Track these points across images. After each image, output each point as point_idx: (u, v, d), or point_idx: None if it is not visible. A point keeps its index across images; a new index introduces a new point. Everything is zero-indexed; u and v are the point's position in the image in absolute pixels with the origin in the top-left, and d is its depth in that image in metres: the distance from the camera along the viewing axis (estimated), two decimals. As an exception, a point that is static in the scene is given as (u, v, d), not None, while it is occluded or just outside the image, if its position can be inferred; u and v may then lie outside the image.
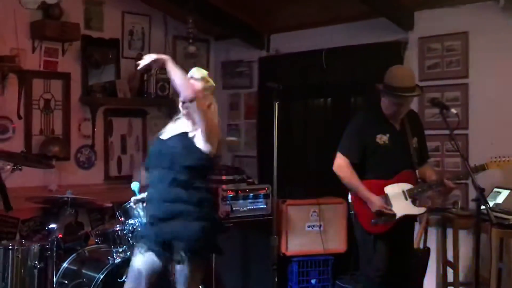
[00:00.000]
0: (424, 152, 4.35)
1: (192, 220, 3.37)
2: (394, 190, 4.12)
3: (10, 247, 4.41)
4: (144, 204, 3.78)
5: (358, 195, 4.15)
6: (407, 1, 5.30)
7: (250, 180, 5.79)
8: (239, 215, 5.45)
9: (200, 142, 3.39)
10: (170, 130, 3.58)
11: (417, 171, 4.18)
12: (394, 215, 4.07)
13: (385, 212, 4.04)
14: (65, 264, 4.47)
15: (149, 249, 3.41)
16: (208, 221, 3.41)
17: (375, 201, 4.07)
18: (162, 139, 3.55)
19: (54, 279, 4.30)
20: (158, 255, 3.40)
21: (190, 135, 3.44)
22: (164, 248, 3.38)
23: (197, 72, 3.54)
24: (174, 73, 3.31)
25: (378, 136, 4.14)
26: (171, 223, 3.38)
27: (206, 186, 3.50)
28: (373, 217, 4.06)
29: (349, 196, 4.27)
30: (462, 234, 4.79)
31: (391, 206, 4.08)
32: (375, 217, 4.05)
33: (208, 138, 3.36)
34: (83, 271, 4.37)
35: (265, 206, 5.57)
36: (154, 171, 3.49)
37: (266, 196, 5.58)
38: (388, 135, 4.15)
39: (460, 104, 5.04)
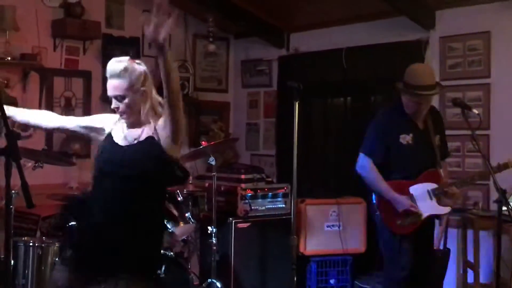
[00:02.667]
0: (444, 149, 4.32)
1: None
2: (419, 190, 4.10)
3: (31, 244, 4.45)
4: None
5: (383, 196, 4.12)
6: (429, 0, 5.27)
7: (269, 179, 5.79)
8: (258, 214, 5.45)
9: (169, 145, 2.91)
10: (122, 134, 2.99)
11: (440, 168, 4.15)
12: (421, 215, 4.05)
13: (413, 211, 4.02)
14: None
15: None
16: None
17: (402, 201, 4.04)
18: (120, 145, 2.96)
19: (74, 276, 4.33)
20: None
21: (156, 138, 2.92)
22: None
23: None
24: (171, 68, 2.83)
25: (402, 136, 4.11)
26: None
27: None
28: (399, 218, 4.04)
29: (373, 197, 4.21)
30: (482, 235, 4.75)
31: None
32: (402, 218, 4.03)
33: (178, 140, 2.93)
34: (103, 268, 4.39)
35: (284, 205, 5.56)
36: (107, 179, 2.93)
37: (285, 195, 5.58)
38: (411, 134, 4.12)
39: (481, 104, 5.00)
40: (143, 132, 2.94)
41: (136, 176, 2.87)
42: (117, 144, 2.96)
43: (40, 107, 5.44)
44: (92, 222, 2.96)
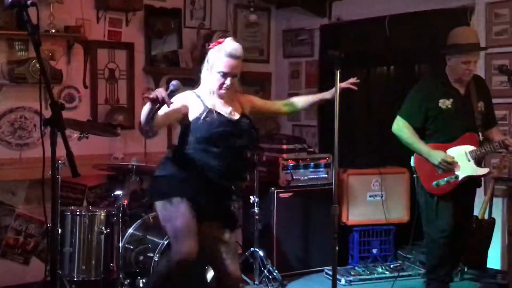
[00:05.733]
0: (491, 116, 4.31)
1: None
2: (457, 151, 4.15)
3: (78, 213, 4.56)
4: None
5: (420, 157, 4.19)
6: (475, -35, 5.14)
7: (311, 150, 5.79)
8: (300, 184, 5.47)
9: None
10: (226, 108, 3.48)
11: (480, 134, 4.13)
12: (457, 175, 4.10)
13: (448, 160, 4.07)
14: (130, 230, 4.59)
15: None
16: None
17: (436, 154, 4.11)
18: (231, 119, 3.46)
19: (120, 244, 4.42)
20: None
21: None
22: None
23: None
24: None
25: (441, 100, 4.15)
26: None
27: None
28: (435, 179, 4.09)
29: (412, 160, 4.29)
30: (529, 205, 4.67)
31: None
32: (438, 178, 4.09)
33: None
34: (148, 237, 4.49)
35: (326, 175, 5.57)
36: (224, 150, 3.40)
37: (327, 166, 5.58)
38: (451, 99, 4.15)
39: (529, 71, 4.88)
40: (237, 108, 3.51)
41: (248, 144, 3.48)
42: (226, 117, 3.43)
43: (84, 79, 5.51)
44: (208, 179, 3.37)
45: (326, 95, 3.84)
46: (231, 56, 3.36)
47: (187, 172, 3.42)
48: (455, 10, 5.30)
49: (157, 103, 3.00)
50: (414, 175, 4.29)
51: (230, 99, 3.50)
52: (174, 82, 3.15)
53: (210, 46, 3.50)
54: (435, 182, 4.13)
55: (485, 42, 4.95)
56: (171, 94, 3.12)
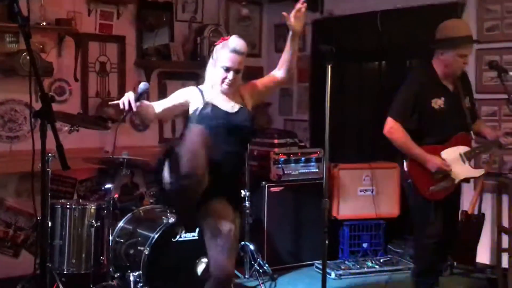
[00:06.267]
0: (474, 110, 4.25)
1: None
2: (451, 154, 4.03)
3: (68, 206, 4.55)
4: None
5: (414, 162, 4.03)
6: (467, -39, 5.15)
7: (302, 144, 5.80)
8: (291, 178, 5.48)
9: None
10: (227, 103, 3.56)
11: (471, 131, 4.10)
12: (454, 178, 4.00)
13: (446, 169, 3.96)
14: (120, 224, 4.59)
15: None
16: None
17: (433, 160, 3.97)
18: (229, 112, 3.53)
19: (110, 237, 4.43)
20: None
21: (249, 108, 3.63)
22: None
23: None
24: None
25: (433, 100, 4.02)
26: None
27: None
28: (432, 184, 4.00)
29: (405, 164, 4.10)
30: (518, 200, 4.71)
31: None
32: (435, 183, 3.98)
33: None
34: (138, 230, 4.48)
35: (317, 170, 5.58)
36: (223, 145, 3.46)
37: (318, 160, 5.59)
38: (443, 98, 4.03)
39: (519, 67, 4.90)
40: (238, 101, 3.58)
41: (248, 137, 3.66)
42: (224, 110, 3.50)
43: (75, 72, 5.49)
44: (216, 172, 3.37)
45: (289, 36, 3.75)
46: (235, 51, 3.46)
47: None
48: (447, 6, 5.30)
49: (124, 110, 3.18)
50: (408, 181, 4.10)
51: (233, 95, 3.58)
52: (141, 86, 3.28)
53: (216, 43, 3.60)
54: (432, 187, 3.99)
55: (476, 38, 4.95)
56: (140, 96, 3.23)
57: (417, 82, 4.14)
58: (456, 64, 4.00)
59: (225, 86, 3.51)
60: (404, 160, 4.11)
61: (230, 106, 3.55)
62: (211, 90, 3.55)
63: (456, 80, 4.10)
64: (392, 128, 4.04)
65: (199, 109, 3.49)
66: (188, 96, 3.54)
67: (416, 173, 4.05)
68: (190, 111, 3.53)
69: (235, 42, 3.50)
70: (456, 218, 4.37)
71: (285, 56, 3.74)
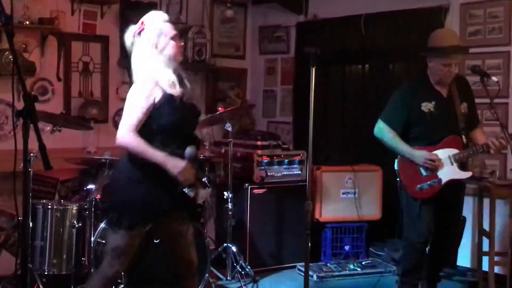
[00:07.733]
0: (474, 117, 4.30)
1: None
2: (440, 155, 4.11)
3: (49, 207, 4.51)
4: None
5: (403, 160, 4.16)
6: (449, -35, 5.19)
7: (285, 146, 5.80)
8: (274, 180, 5.48)
9: None
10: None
11: (464, 136, 4.14)
12: (441, 178, 4.08)
13: (433, 158, 4.06)
14: (102, 224, 4.55)
15: None
16: None
17: (420, 154, 4.09)
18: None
19: (92, 238, 4.39)
20: None
21: None
22: None
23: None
24: None
25: (423, 104, 4.13)
26: None
27: None
28: (419, 182, 4.08)
29: (395, 163, 4.26)
30: (499, 203, 4.73)
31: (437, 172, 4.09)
32: (421, 182, 4.07)
33: None
34: (120, 231, 4.44)
35: (299, 172, 5.59)
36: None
37: (301, 162, 5.60)
38: (433, 102, 4.13)
39: (501, 72, 4.95)
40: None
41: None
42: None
43: (58, 72, 5.46)
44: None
45: None
46: (168, 20, 3.49)
47: None
48: (430, 10, 5.35)
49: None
50: (398, 179, 4.23)
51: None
52: (187, 151, 3.27)
53: (136, 32, 3.72)
54: (419, 186, 4.10)
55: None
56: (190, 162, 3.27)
57: (408, 86, 4.29)
58: (441, 72, 4.09)
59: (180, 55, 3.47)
60: (395, 159, 4.25)
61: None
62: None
63: (452, 85, 4.17)
64: (380, 128, 4.23)
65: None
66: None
67: (404, 170, 4.19)
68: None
69: (159, 13, 3.53)
70: (454, 225, 4.39)
71: None
